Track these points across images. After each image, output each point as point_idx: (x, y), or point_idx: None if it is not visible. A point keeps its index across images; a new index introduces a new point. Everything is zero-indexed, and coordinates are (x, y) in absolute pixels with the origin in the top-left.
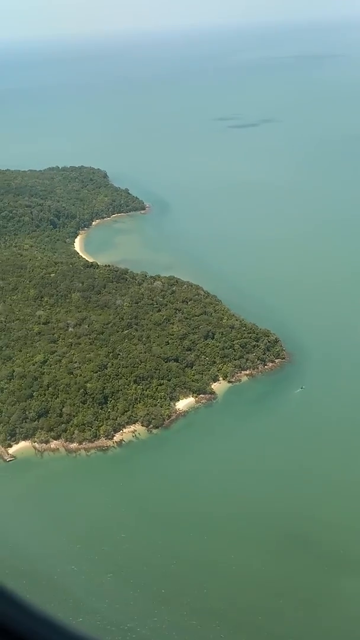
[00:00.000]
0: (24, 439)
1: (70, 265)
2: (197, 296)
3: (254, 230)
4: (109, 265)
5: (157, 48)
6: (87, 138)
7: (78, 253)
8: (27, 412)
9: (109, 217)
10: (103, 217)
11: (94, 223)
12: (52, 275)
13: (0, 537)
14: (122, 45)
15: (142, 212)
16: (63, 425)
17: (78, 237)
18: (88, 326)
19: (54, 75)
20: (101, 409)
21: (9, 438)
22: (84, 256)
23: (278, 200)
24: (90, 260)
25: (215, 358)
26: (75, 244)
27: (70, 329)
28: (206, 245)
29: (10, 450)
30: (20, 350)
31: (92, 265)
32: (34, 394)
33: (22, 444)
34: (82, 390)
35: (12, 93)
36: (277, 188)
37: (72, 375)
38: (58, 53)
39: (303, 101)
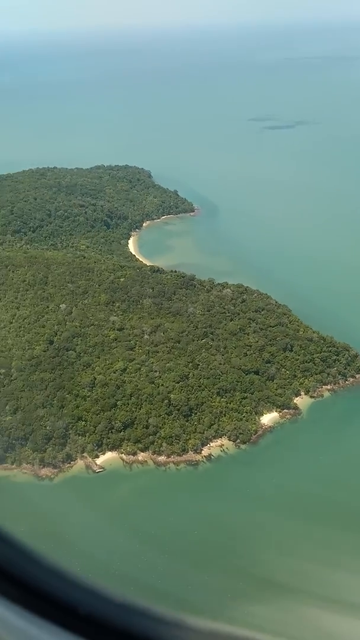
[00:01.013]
0: (111, 449)
1: (138, 270)
2: (268, 306)
3: (307, 234)
4: (175, 271)
5: (175, 44)
6: (123, 135)
7: (134, 255)
8: (112, 422)
9: (159, 218)
10: (153, 219)
11: (144, 224)
12: (122, 280)
13: (100, 553)
14: (137, 40)
15: (192, 214)
16: (150, 437)
17: (131, 239)
18: (163, 334)
19: (74, 69)
20: (187, 421)
21: (96, 448)
22: (140, 258)
23: (328, 203)
24: (148, 263)
25: (296, 372)
26: (129, 245)
27: (145, 336)
28: (262, 250)
29: (98, 461)
30: (99, 357)
31: (159, 271)
32: (118, 403)
33: (109, 455)
34: (167, 401)
35: (40, 87)
36: (325, 191)
37: (154, 385)
38: (78, 46)
39: (337, 102)
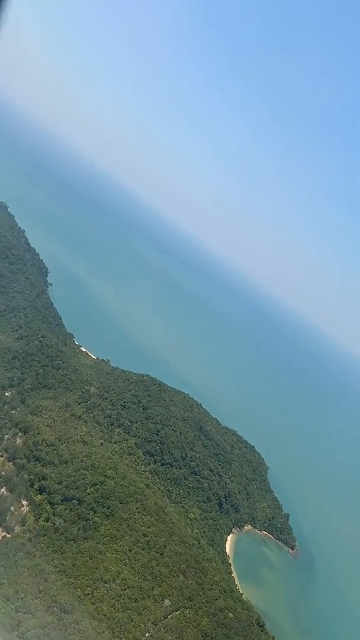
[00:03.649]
0: None
1: (246, 614)
2: None
3: None
4: None
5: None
6: (259, 411)
7: (229, 559)
8: None
9: (261, 531)
10: (256, 526)
11: (246, 527)
12: (230, 616)
13: None
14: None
15: (291, 551)
16: None
17: (230, 536)
18: None
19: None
20: None
21: None
22: (233, 569)
23: None
24: (239, 583)
25: None
26: (227, 543)
27: None
28: None
29: None
30: None
31: (264, 628)
32: None
33: None
34: None
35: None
36: None
37: None
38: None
39: None
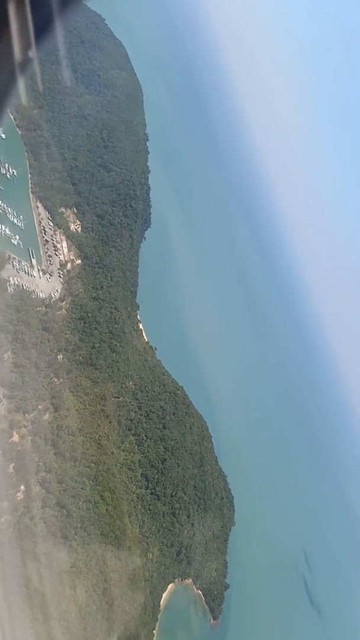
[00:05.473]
0: None
1: None
2: None
3: None
4: None
5: None
6: None
7: (157, 620)
8: None
9: (197, 588)
10: (195, 583)
11: (187, 580)
12: None
13: None
14: None
15: (212, 621)
16: None
17: (170, 586)
18: None
19: None
20: None
21: None
22: (158, 624)
23: None
24: None
25: None
26: (164, 594)
27: None
28: None
29: None
30: None
31: None
32: None
33: None
34: None
35: None
36: None
37: None
38: None
39: None
